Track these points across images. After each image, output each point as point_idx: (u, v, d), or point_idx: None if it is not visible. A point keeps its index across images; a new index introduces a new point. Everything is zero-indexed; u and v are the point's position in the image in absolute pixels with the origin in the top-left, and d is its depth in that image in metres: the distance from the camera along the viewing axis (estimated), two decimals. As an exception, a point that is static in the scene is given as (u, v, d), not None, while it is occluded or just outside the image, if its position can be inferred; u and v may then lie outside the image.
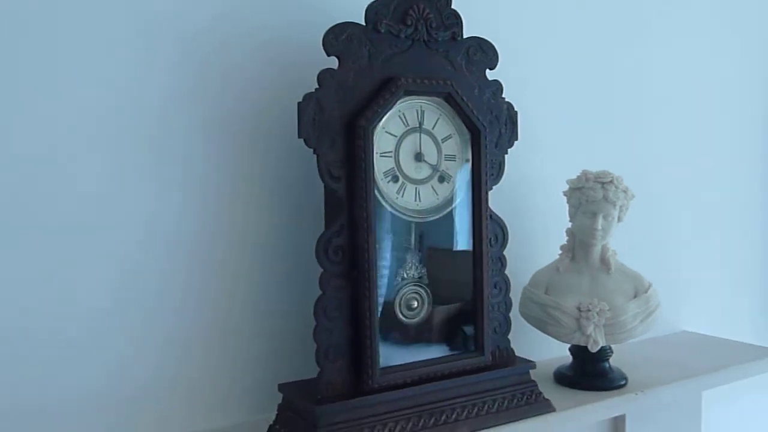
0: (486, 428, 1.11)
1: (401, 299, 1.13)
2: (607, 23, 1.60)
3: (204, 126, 1.11)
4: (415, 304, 1.15)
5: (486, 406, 1.13)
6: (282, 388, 1.09)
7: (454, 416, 1.10)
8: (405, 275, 1.14)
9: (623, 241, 1.47)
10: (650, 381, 1.34)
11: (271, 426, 1.09)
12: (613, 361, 1.35)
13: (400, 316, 1.13)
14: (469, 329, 1.17)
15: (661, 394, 1.32)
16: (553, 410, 1.19)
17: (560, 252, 1.37)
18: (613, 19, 1.61)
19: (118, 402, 1.06)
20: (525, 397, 1.17)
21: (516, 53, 1.41)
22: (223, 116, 1.12)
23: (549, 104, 1.50)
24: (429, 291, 1.16)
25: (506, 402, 1.15)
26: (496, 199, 1.23)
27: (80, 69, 1.01)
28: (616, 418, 1.39)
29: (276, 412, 1.09)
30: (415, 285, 1.15)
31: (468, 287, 1.16)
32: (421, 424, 1.07)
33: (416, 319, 1.15)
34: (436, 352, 1.15)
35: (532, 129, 1.41)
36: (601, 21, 1.59)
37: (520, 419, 1.15)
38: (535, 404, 1.18)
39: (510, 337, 1.22)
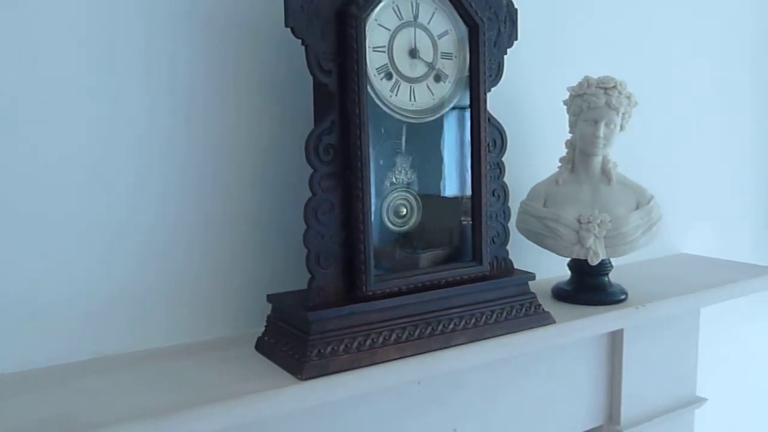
0: (483, 339, 1.07)
1: (389, 205, 1.08)
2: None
3: (188, 21, 1.03)
4: (404, 211, 1.10)
5: (484, 317, 1.09)
6: (271, 298, 1.04)
7: (451, 326, 1.05)
8: (394, 180, 1.09)
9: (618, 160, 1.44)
10: (650, 297, 1.31)
11: (260, 338, 1.04)
12: (612, 279, 1.31)
13: (388, 223, 1.08)
14: (465, 238, 1.12)
15: (660, 309, 1.28)
16: (553, 322, 1.15)
17: (559, 164, 1.31)
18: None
19: (114, 316, 1.01)
20: (524, 309, 1.13)
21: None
22: (208, 9, 1.04)
23: (546, 9, 1.42)
24: (419, 198, 1.10)
25: (504, 313, 1.11)
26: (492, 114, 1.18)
27: None
28: (614, 334, 1.35)
29: (265, 324, 1.05)
30: (404, 191, 1.10)
31: (463, 195, 1.11)
32: (417, 334, 1.02)
33: (405, 227, 1.10)
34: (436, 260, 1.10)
35: (530, 36, 1.34)
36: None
37: (519, 331, 1.11)
38: (534, 316, 1.14)
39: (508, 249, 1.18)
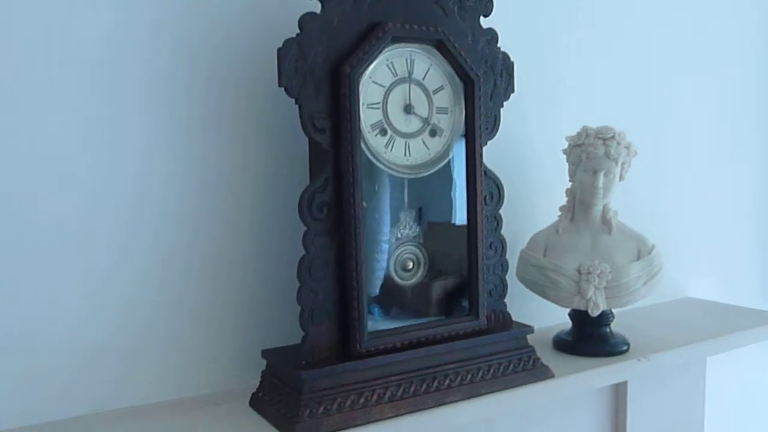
0: (481, 395, 1.06)
1: (396, 260, 1.08)
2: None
3: (190, 75, 1.05)
4: (411, 265, 1.10)
5: (481, 372, 1.07)
6: (265, 354, 1.04)
7: (447, 382, 1.04)
8: (399, 235, 1.09)
9: (623, 204, 1.42)
10: (653, 347, 1.29)
11: (254, 394, 1.03)
12: (615, 326, 1.30)
13: (396, 278, 1.08)
14: (463, 292, 1.11)
15: (664, 359, 1.27)
16: (552, 376, 1.13)
17: (559, 213, 1.30)
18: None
19: (103, 370, 1.01)
20: (522, 363, 1.12)
21: (517, 2, 1.35)
22: (208, 63, 1.06)
23: (546, 59, 1.43)
24: (425, 251, 1.10)
25: (502, 368, 1.10)
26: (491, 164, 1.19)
27: (72, 18, 0.97)
28: (617, 385, 1.33)
29: (260, 379, 1.04)
30: (410, 245, 1.10)
31: (463, 248, 1.10)
32: (412, 391, 1.01)
33: (413, 281, 1.10)
34: (432, 315, 1.10)
35: (529, 86, 1.35)
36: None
37: (517, 386, 1.10)
38: (532, 370, 1.12)
39: (507, 302, 1.17)
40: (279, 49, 0.94)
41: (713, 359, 1.49)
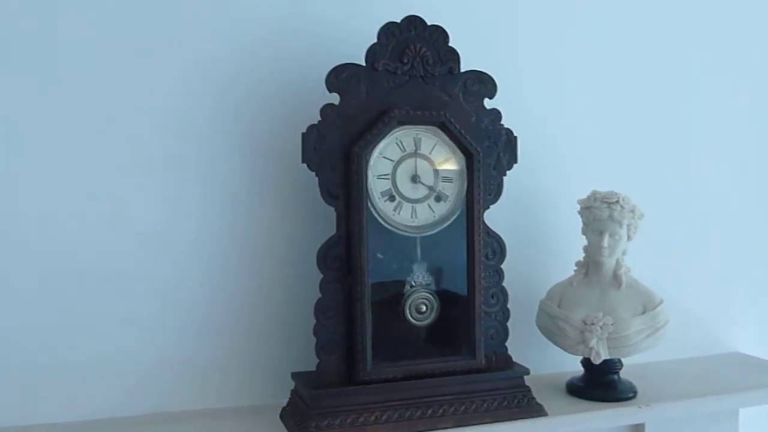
0: (471, 425, 1.22)
1: (411, 303, 1.28)
2: (630, 41, 1.63)
3: (242, 153, 1.34)
4: (424, 308, 1.29)
5: (474, 406, 1.24)
6: (294, 376, 1.27)
7: (441, 411, 1.22)
8: (413, 282, 1.29)
9: (671, 258, 1.57)
10: (666, 397, 1.37)
11: (284, 408, 1.27)
12: (633, 377, 1.40)
13: (411, 319, 1.28)
14: (465, 334, 1.28)
15: (668, 410, 1.34)
16: (545, 414, 1.27)
17: (575, 268, 1.44)
18: (634, 37, 1.64)
19: (163, 383, 1.30)
20: (516, 401, 1.26)
21: (538, 71, 1.53)
22: (258, 142, 1.34)
23: (574, 120, 1.57)
24: (437, 297, 1.29)
25: (496, 403, 1.25)
26: (516, 214, 1.44)
27: (147, 116, 1.29)
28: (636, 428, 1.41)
29: (289, 397, 1.28)
30: (424, 291, 1.29)
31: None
32: (407, 415, 1.20)
33: (426, 322, 1.29)
34: (437, 353, 1.28)
35: (558, 145, 1.52)
36: (624, 37, 1.63)
37: (506, 420, 1.24)
38: (525, 407, 1.27)
39: (526, 346, 1.36)
40: (303, 133, 1.19)
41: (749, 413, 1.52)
